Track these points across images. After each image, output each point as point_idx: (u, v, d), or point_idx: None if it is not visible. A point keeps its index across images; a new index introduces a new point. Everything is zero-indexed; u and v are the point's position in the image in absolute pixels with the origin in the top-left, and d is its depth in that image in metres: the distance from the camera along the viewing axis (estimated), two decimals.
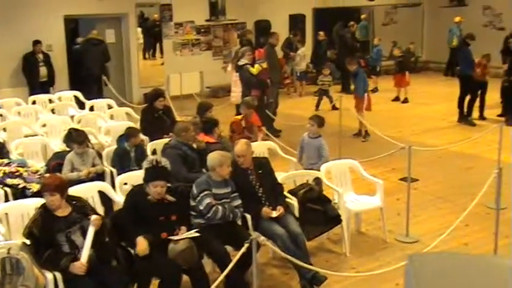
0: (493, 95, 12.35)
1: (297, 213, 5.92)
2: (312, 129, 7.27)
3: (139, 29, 15.43)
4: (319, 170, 6.63)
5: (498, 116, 12.10)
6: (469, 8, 18.50)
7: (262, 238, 4.52)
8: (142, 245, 4.89)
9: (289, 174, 6.59)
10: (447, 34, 17.36)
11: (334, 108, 12.45)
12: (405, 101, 14.35)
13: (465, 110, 12.06)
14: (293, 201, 5.99)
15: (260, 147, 7.37)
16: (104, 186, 6.21)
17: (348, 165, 6.95)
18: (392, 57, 15.42)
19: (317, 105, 13.52)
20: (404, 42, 16.91)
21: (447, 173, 9.06)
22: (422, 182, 8.50)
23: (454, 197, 7.88)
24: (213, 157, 5.61)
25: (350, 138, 10.81)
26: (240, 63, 10.72)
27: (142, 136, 7.86)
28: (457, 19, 17.14)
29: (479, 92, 12.10)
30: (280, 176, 6.37)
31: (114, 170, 6.99)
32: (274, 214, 5.65)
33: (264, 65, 10.73)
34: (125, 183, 6.30)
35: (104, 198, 6.09)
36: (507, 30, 15.32)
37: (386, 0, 18.87)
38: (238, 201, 5.63)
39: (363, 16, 19.06)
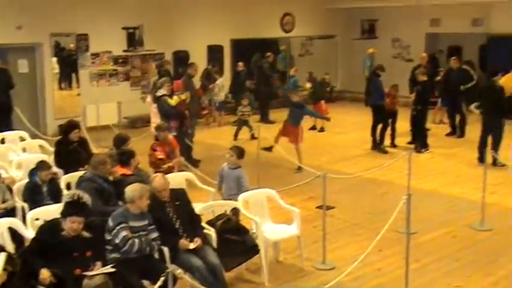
0: (404, 124, 12.92)
1: (215, 244, 5.91)
2: (231, 160, 7.33)
3: (54, 59, 15.07)
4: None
5: (408, 143, 12.64)
6: (379, 41, 19.37)
7: (179, 271, 4.50)
8: (44, 273, 4.78)
9: (207, 205, 6.59)
10: (361, 64, 18.06)
11: (253, 137, 12.59)
12: (321, 130, 14.73)
13: (377, 138, 12.52)
14: (211, 232, 5.99)
15: (178, 178, 7.33)
16: (14, 222, 5.98)
17: (266, 194, 7.03)
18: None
19: (235, 135, 13.63)
20: (320, 72, 17.45)
21: (362, 199, 9.35)
22: (338, 209, 8.72)
23: (368, 223, 8.13)
24: (132, 189, 5.54)
25: (268, 168, 10.94)
26: (158, 94, 10.69)
27: (56, 169, 7.64)
28: (370, 51, 17.90)
29: (390, 121, 12.63)
30: (198, 207, 6.36)
31: (26, 205, 6.74)
32: (192, 246, 5.63)
33: (183, 96, 10.75)
34: (37, 219, 6.08)
35: (15, 234, 5.85)
36: (415, 62, 16.12)
37: (302, 32, 19.42)
38: (155, 234, 5.57)
39: (282, 47, 19.52)
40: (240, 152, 7.33)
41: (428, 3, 17.27)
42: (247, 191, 6.96)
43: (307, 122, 15.00)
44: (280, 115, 16.77)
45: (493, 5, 16.11)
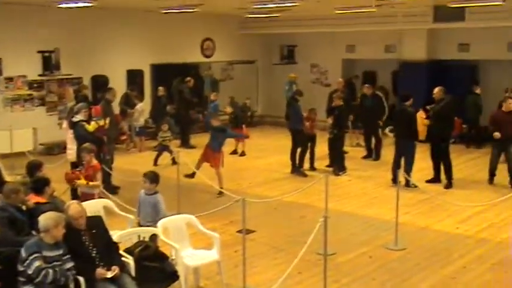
0: (323, 147, 13.26)
1: (133, 272, 5.84)
2: (145, 186, 7.27)
3: None
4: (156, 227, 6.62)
5: (326, 166, 12.98)
6: (298, 66, 19.88)
7: None
8: None
9: (124, 232, 6.50)
10: (282, 89, 18.43)
11: (174, 163, 12.53)
12: (242, 154, 14.87)
13: (297, 161, 12.78)
14: (129, 260, 5.91)
15: (95, 206, 7.19)
16: None
17: (185, 220, 7.02)
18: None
19: (155, 161, 13.53)
20: (241, 97, 17.65)
21: (282, 223, 9.51)
22: (258, 233, 8.82)
23: (288, 246, 8.26)
24: (47, 217, 5.41)
25: (189, 193, 10.92)
26: (75, 119, 10.48)
27: None
28: (291, 75, 18.33)
29: (309, 145, 12.94)
30: (116, 235, 6.27)
31: None
32: (109, 274, 5.53)
33: (101, 122, 10.59)
34: None
35: None
36: (332, 87, 16.64)
37: (223, 57, 19.65)
38: (71, 264, 5.44)
39: (205, 72, 19.54)
40: (153, 178, 7.28)
41: (344, 30, 17.93)
42: (164, 216, 6.92)
43: (228, 146, 15.13)
44: (201, 140, 16.82)
45: (404, 33, 16.94)
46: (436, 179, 11.75)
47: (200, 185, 11.08)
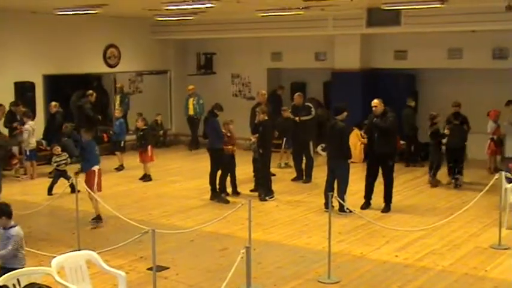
0: (246, 168, 13.41)
1: None
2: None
3: None
4: None
5: (251, 191, 13.12)
6: (218, 76, 20.08)
7: None
8: None
9: (11, 274, 6.35)
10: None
11: (73, 190, 12.32)
12: (147, 178, 14.75)
13: (217, 186, 12.85)
14: None
15: None
16: None
17: (85, 257, 6.94)
18: (137, 129, 15.82)
19: (50, 189, 13.24)
20: (152, 113, 17.62)
21: (200, 256, 9.52)
22: (173, 270, 8.80)
23: (207, 283, 8.29)
24: None
25: (90, 226, 10.78)
26: None
27: None
28: (190, 87, 18.69)
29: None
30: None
31: None
32: None
33: None
34: None
35: None
36: (256, 100, 16.84)
37: (130, 67, 19.55)
38: None
39: (119, 85, 19.32)
40: (2, 210, 6.96)
41: (268, 35, 18.29)
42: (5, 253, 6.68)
43: (138, 170, 15.06)
44: (105, 163, 16.65)
45: (336, 39, 17.46)
46: (368, 204, 12.10)
47: (104, 216, 10.94)
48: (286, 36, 18.03)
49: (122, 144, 16.29)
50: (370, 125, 12.01)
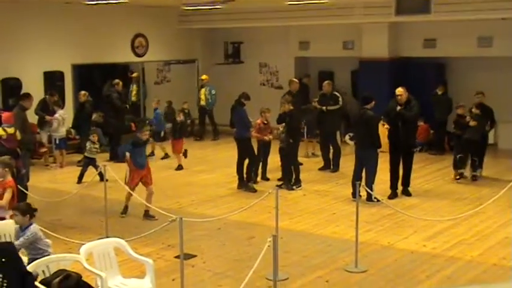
0: (275, 158, 13.38)
1: None
2: (17, 220, 6.89)
3: None
4: None
5: (278, 179, 13.12)
6: (245, 65, 20.06)
7: None
8: None
9: (40, 261, 6.45)
10: (224, 93, 18.51)
11: (101, 179, 12.45)
12: (180, 167, 14.88)
13: (245, 175, 12.88)
14: None
15: (5, 228, 7.11)
16: None
17: (113, 244, 7.02)
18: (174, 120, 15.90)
19: (80, 178, 13.39)
20: (179, 102, 17.65)
21: (227, 245, 9.57)
22: (200, 258, 8.86)
23: (234, 272, 8.34)
24: None
25: (119, 214, 10.88)
26: None
27: None
28: (204, 77, 18.72)
29: (261, 153, 13.10)
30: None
31: None
32: None
33: (10, 130, 10.48)
34: None
35: None
36: (285, 89, 16.81)
37: (158, 56, 19.64)
38: None
39: (134, 75, 19.52)
40: (24, 209, 6.95)
41: (296, 24, 18.21)
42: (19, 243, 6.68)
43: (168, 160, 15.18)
44: None
45: (363, 27, 17.34)
46: (395, 195, 12.05)
47: (132, 205, 11.03)
48: (313, 24, 17.94)
49: (162, 135, 16.30)
50: (391, 113, 11.95)
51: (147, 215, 10.73)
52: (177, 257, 8.08)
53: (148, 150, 15.92)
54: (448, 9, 15.19)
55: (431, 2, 15.38)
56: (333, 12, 16.62)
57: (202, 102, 18.85)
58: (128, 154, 10.92)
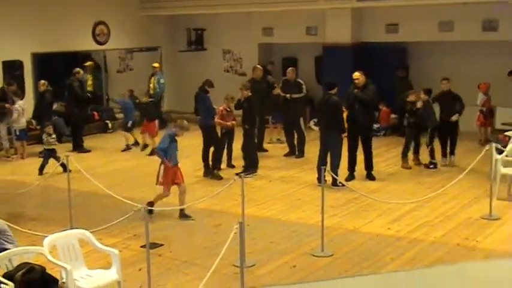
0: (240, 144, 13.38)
1: None
2: None
3: None
4: None
5: (243, 167, 13.09)
6: (208, 52, 19.96)
7: None
8: None
9: (3, 255, 6.36)
10: (188, 80, 18.39)
11: (64, 170, 12.30)
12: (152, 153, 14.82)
13: (210, 162, 12.86)
14: (10, 286, 5.80)
15: None
16: None
17: (77, 236, 6.95)
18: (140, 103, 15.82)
19: (41, 169, 13.19)
20: (143, 91, 17.49)
21: (193, 233, 9.57)
22: (167, 247, 8.84)
23: (201, 259, 8.33)
24: None
25: (83, 205, 10.78)
26: None
27: None
28: (155, 65, 18.29)
29: (226, 140, 13.07)
30: None
31: None
32: None
33: None
34: None
35: None
36: (248, 76, 16.80)
37: (120, 44, 19.41)
38: None
39: (88, 63, 19.04)
40: None
41: (259, 10, 18.17)
42: None
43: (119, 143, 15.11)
44: (96, 142, 16.67)
45: (326, 13, 17.38)
46: (352, 177, 12.18)
47: (96, 196, 10.94)
48: (277, 10, 17.92)
49: (130, 125, 16.10)
50: (350, 96, 12.09)
51: (183, 214, 10.18)
52: (143, 246, 8.05)
53: (129, 141, 15.87)
54: None
55: None
56: None
57: (152, 91, 17.91)
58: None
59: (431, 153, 13.09)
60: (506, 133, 12.66)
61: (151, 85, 18.13)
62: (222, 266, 7.27)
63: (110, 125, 18.38)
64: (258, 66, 15.40)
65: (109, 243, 7.94)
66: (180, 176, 10.26)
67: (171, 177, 10.13)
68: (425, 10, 16.23)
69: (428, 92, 13.13)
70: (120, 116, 17.49)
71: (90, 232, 7.13)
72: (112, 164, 14.31)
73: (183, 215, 10.16)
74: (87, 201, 11.06)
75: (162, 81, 18.14)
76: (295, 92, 14.47)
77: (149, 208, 9.60)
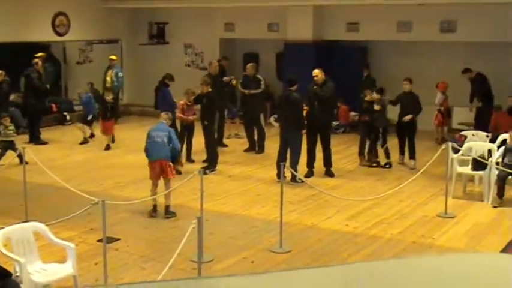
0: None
1: None
2: None
3: None
4: None
5: (204, 161, 13.01)
6: (170, 46, 19.80)
7: None
8: None
9: None
10: (149, 73, 18.14)
11: (21, 162, 12.03)
12: (107, 147, 14.64)
13: None
14: None
15: None
16: None
17: (32, 229, 6.81)
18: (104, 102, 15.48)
19: None
20: (101, 83, 17.21)
21: (151, 228, 9.46)
22: (124, 241, 8.72)
23: (158, 254, 8.24)
24: None
25: (40, 197, 10.56)
26: None
27: None
28: (112, 57, 17.55)
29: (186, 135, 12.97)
30: None
31: None
32: None
33: None
34: None
35: None
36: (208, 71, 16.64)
37: (80, 36, 19.10)
38: None
39: (39, 54, 18.49)
40: None
41: (221, 6, 18.08)
42: None
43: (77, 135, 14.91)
44: (53, 134, 16.38)
45: (288, 10, 17.37)
46: (311, 173, 12.21)
47: (53, 188, 10.73)
48: (239, 6, 17.86)
49: (90, 118, 15.75)
50: (309, 93, 12.10)
51: (168, 211, 9.91)
52: (100, 240, 7.93)
53: (85, 134, 15.57)
54: None
55: None
56: None
57: (108, 85, 17.10)
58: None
59: (386, 153, 13.14)
60: (463, 133, 12.85)
61: (108, 78, 17.28)
62: (180, 261, 7.21)
63: (68, 117, 18.08)
64: (214, 61, 15.22)
65: (65, 237, 7.80)
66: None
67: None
68: (384, 10, 16.37)
69: (380, 91, 13.18)
70: (78, 108, 17.21)
71: (46, 225, 7.00)
72: (69, 157, 14.09)
73: (167, 211, 9.89)
74: (43, 193, 10.84)
75: (120, 74, 17.45)
76: (254, 87, 14.46)
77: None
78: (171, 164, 9.97)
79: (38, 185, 10.70)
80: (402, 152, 13.31)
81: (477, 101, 15.16)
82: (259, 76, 14.74)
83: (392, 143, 13.28)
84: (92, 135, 15.73)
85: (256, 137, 14.54)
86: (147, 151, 10.07)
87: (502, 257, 4.03)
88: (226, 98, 14.64)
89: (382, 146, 13.12)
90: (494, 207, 10.35)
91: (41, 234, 6.88)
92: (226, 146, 14.57)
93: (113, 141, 14.90)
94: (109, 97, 15.11)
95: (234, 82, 14.63)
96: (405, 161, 13.22)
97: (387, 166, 13.04)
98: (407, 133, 13.09)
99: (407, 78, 13.26)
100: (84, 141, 15.49)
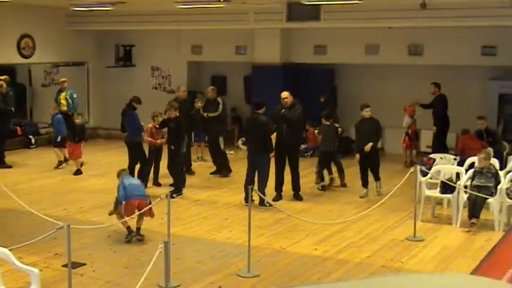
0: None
1: None
2: None
3: None
4: None
5: (171, 185, 12.93)
6: (137, 69, 19.74)
7: None
8: None
9: None
10: (115, 96, 18.06)
11: None
12: (78, 172, 14.48)
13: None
14: None
15: None
16: None
17: None
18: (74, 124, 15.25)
19: None
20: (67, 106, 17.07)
21: (117, 253, 9.35)
22: (89, 266, 8.61)
23: (124, 279, 8.16)
24: None
25: (4, 222, 10.40)
26: None
27: None
28: (62, 80, 17.34)
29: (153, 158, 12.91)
30: None
31: None
32: None
33: None
34: None
35: None
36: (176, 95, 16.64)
37: (45, 58, 18.94)
38: None
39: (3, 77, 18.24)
40: None
41: (189, 28, 18.13)
42: None
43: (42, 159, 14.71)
44: (18, 157, 16.18)
45: (255, 33, 17.48)
46: (280, 197, 12.24)
47: (18, 212, 10.58)
48: (206, 29, 17.91)
49: (59, 139, 15.48)
50: (277, 116, 12.13)
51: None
52: (65, 265, 7.82)
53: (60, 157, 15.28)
54: (337, 17, 15.57)
55: (321, 10, 15.73)
56: (225, 17, 16.65)
57: (64, 108, 16.75)
58: None
59: (318, 175, 13.27)
60: (431, 156, 12.99)
61: (63, 101, 16.97)
62: (146, 286, 7.14)
63: (33, 140, 17.87)
64: (182, 86, 15.20)
65: (29, 262, 7.71)
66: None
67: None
68: (352, 33, 16.57)
69: (327, 116, 13.31)
70: (43, 131, 17.03)
71: (10, 250, 6.87)
72: (34, 181, 13.90)
73: (138, 233, 9.79)
74: (7, 218, 10.67)
75: (75, 95, 17.22)
76: (213, 111, 14.55)
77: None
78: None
79: (1, 209, 10.54)
80: (365, 184, 12.72)
81: (433, 125, 15.38)
82: (219, 99, 14.84)
83: (353, 170, 13.36)
84: (66, 160, 15.43)
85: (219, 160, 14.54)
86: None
87: (469, 278, 4.09)
88: (194, 122, 14.63)
89: (316, 168, 13.33)
90: (468, 231, 10.28)
91: (4, 260, 6.77)
92: (193, 173, 14.48)
93: (81, 165, 14.71)
94: (78, 120, 14.92)
95: (198, 105, 14.68)
96: (363, 194, 12.69)
97: (319, 188, 13.14)
98: (369, 163, 12.59)
99: (366, 105, 12.75)
100: (58, 165, 15.23)
